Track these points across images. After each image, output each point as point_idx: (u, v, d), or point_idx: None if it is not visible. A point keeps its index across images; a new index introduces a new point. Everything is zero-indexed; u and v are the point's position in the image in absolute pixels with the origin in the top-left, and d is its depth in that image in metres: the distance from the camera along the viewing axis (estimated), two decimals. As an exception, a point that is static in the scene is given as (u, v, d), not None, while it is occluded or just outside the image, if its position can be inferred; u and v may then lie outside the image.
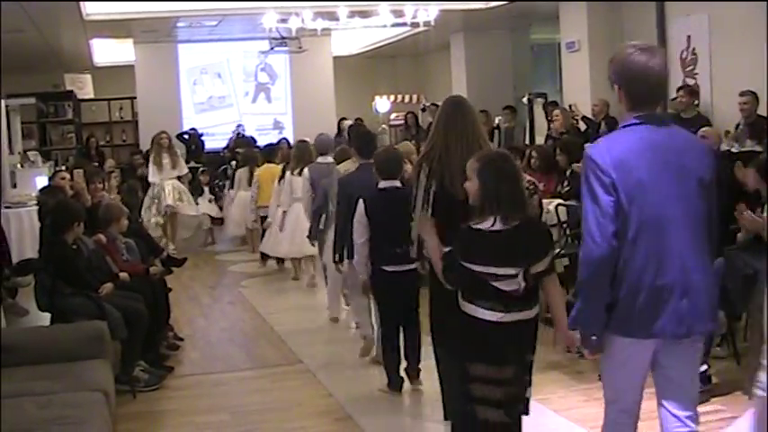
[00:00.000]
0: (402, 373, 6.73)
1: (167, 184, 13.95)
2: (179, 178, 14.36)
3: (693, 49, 12.39)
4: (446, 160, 5.19)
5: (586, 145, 5.04)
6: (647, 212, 3.68)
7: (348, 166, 8.08)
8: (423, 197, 5.25)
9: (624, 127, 3.89)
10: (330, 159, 9.22)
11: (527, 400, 4.53)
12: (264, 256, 12.43)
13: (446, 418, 5.40)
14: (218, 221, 15.00)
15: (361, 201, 6.56)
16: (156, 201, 13.89)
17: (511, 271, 4.30)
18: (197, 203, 14.65)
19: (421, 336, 6.52)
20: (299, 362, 7.83)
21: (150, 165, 14.18)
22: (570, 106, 13.85)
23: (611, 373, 3.91)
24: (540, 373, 6.23)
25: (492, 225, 4.33)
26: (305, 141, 10.89)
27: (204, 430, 6.27)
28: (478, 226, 4.36)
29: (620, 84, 3.90)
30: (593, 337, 3.75)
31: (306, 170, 9.60)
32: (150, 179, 14.06)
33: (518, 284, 4.30)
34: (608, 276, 3.70)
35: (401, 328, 6.67)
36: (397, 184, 6.52)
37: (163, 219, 13.87)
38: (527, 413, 4.53)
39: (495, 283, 4.30)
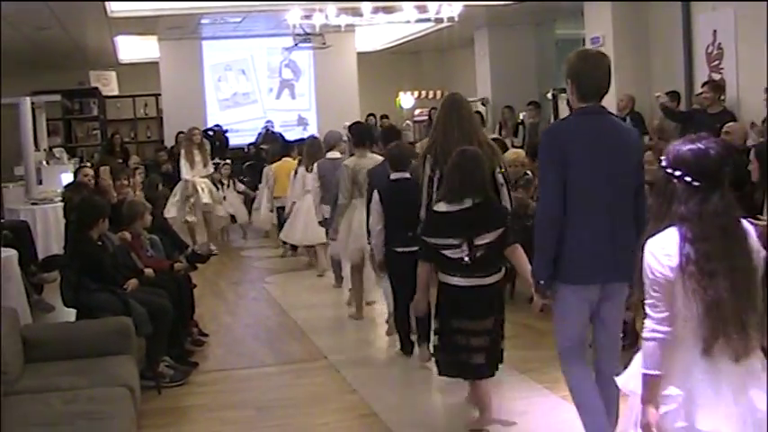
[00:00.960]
0: (413, 338, 7.47)
1: (200, 182, 13.66)
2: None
3: (719, 43, 12.29)
4: (447, 151, 5.93)
5: (547, 129, 5.85)
6: (586, 184, 4.58)
7: (355, 161, 8.67)
8: (427, 184, 6.29)
9: (574, 114, 4.80)
10: (338, 155, 9.79)
11: (501, 351, 5.80)
12: (284, 243, 12.97)
13: (440, 371, 6.02)
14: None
15: (376, 191, 7.32)
16: (191, 199, 13.58)
17: (454, 242, 5.53)
18: (224, 199, 14.54)
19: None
20: (323, 358, 7.83)
21: (182, 161, 13.81)
22: None
23: (560, 316, 4.83)
24: (547, 361, 6.22)
25: (446, 207, 5.59)
26: (316, 138, 11.81)
27: (229, 426, 6.28)
28: (435, 208, 5.75)
29: (572, 80, 4.72)
30: (542, 282, 4.71)
31: (315, 165, 10.06)
32: (183, 176, 13.72)
33: (462, 252, 5.51)
34: (555, 234, 4.62)
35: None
36: (407, 175, 7.15)
37: (195, 217, 13.63)
38: (501, 361, 5.77)
39: (444, 252, 5.59)
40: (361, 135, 8.87)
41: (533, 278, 4.78)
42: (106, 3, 12.92)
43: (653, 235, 3.43)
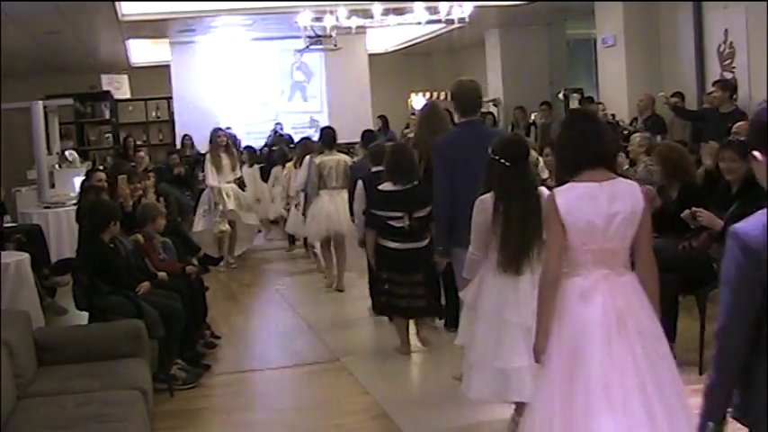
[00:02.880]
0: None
1: (226, 187, 12.51)
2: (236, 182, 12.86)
3: (731, 42, 12.27)
4: (428, 146, 7.15)
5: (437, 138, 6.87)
6: (465, 177, 5.99)
7: (321, 159, 10.77)
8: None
9: (458, 125, 6.81)
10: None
11: (440, 307, 7.92)
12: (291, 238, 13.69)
13: (376, 310, 8.37)
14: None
15: (360, 180, 8.80)
16: (219, 206, 12.46)
17: (398, 214, 7.47)
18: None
19: None
20: (335, 360, 7.83)
21: (208, 166, 12.63)
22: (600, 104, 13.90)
23: (458, 272, 6.02)
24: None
25: (390, 187, 7.52)
26: (308, 138, 13.39)
27: (241, 428, 6.30)
28: (381, 187, 7.63)
29: (456, 102, 6.78)
30: (440, 248, 6.49)
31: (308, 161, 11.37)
32: (209, 183, 12.57)
33: (404, 223, 7.45)
34: (447, 214, 6.30)
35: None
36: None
37: (227, 226, 12.50)
38: (441, 317, 7.75)
39: (390, 222, 7.51)
40: (328, 138, 10.95)
41: (436, 246, 6.68)
42: (117, 6, 12.93)
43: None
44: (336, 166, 10.64)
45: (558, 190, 4.13)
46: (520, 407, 5.43)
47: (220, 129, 13.62)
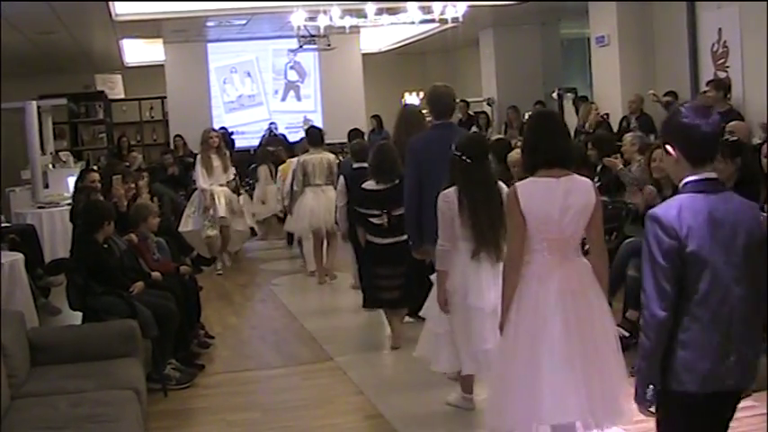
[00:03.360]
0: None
1: (218, 191, 11.97)
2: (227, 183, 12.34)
3: (724, 41, 12.27)
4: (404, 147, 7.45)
5: (411, 138, 7.20)
6: (436, 176, 6.07)
7: (305, 157, 11.27)
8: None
9: (432, 128, 7.27)
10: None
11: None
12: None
13: (364, 304, 8.39)
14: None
15: (341, 176, 9.45)
16: (210, 210, 11.91)
17: (377, 212, 7.84)
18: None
19: None
20: (329, 359, 7.84)
21: (198, 168, 12.13)
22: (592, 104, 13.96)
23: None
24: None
25: (372, 186, 7.90)
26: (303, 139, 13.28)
27: (235, 428, 6.29)
28: (365, 186, 8.01)
29: (430, 106, 7.26)
30: (412, 243, 6.82)
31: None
32: (200, 185, 12.04)
33: (382, 220, 7.80)
34: (416, 211, 6.65)
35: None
36: (365, 164, 8.66)
37: (216, 231, 11.97)
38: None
39: (370, 219, 7.91)
40: (314, 137, 11.46)
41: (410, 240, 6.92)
42: (111, 6, 12.93)
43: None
44: (320, 163, 11.09)
45: (519, 184, 4.56)
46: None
47: (213, 129, 13.27)
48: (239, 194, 12.57)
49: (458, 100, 18.13)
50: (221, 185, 12.07)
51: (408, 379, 6.98)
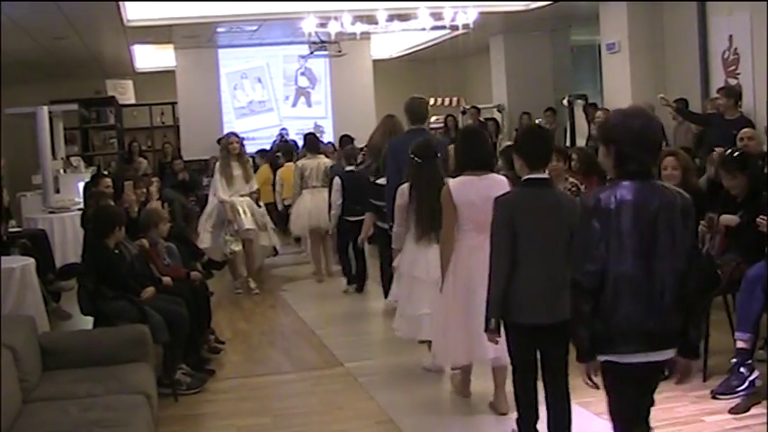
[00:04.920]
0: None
1: (241, 202, 10.98)
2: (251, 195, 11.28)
3: (735, 48, 12.25)
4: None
5: (391, 140, 8.65)
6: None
7: (303, 162, 12.15)
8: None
9: (407, 132, 8.45)
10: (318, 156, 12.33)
11: None
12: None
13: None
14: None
15: (337, 177, 10.93)
16: (234, 225, 10.93)
17: (384, 203, 8.43)
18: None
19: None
20: (339, 365, 7.84)
21: (217, 177, 11.07)
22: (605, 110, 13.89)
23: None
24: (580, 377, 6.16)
25: (382, 182, 8.63)
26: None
27: (245, 433, 6.30)
28: (378, 182, 9.00)
29: (408, 114, 8.60)
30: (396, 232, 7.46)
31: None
32: (220, 196, 10.94)
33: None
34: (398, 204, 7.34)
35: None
36: (353, 168, 10.81)
37: (240, 246, 11.16)
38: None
39: (383, 209, 8.60)
40: (311, 143, 12.48)
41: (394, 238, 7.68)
42: (122, 12, 12.95)
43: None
44: (317, 167, 11.96)
45: (451, 181, 6.05)
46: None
47: (233, 134, 11.87)
48: (260, 206, 11.55)
49: (468, 106, 18.44)
50: (242, 196, 11.06)
51: (419, 385, 6.97)
